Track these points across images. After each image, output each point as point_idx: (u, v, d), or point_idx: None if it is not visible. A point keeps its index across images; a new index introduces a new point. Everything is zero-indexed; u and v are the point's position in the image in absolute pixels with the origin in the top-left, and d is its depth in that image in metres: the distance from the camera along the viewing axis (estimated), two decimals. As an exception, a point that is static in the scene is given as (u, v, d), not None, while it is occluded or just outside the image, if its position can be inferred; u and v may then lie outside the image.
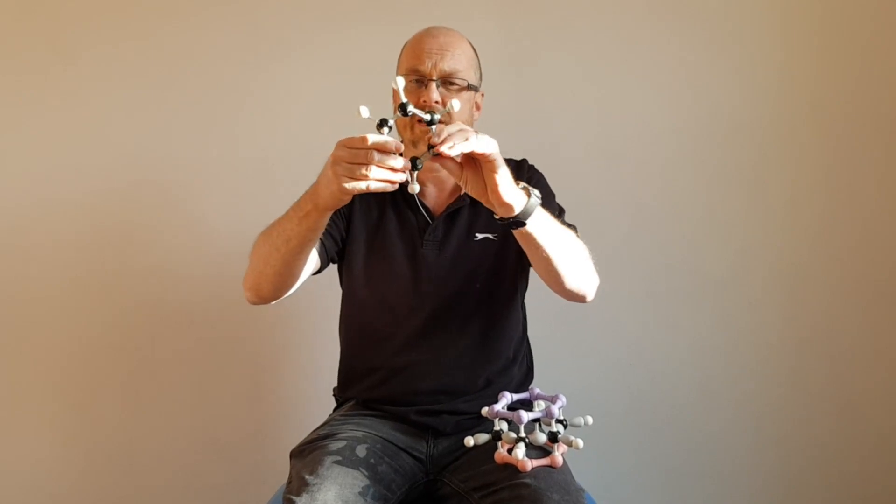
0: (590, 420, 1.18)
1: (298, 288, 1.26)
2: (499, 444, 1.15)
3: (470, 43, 1.33)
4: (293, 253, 1.13)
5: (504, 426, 1.16)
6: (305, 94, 1.79)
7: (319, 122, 1.79)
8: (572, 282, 1.18)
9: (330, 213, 1.09)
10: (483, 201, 1.04)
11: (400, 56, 1.34)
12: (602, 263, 1.76)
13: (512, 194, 1.02)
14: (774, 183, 1.79)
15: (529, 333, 1.43)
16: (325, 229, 1.26)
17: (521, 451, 1.12)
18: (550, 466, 1.13)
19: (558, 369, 1.74)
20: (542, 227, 1.08)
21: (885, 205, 1.79)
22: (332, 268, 1.41)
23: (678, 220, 1.80)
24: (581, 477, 1.21)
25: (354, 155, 0.96)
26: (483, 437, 1.17)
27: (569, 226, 1.25)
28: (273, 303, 1.25)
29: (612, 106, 1.79)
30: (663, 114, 1.78)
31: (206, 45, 1.78)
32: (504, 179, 1.01)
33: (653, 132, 1.79)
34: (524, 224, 1.05)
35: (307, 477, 1.12)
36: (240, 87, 1.79)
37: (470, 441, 1.17)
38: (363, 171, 0.95)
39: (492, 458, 1.18)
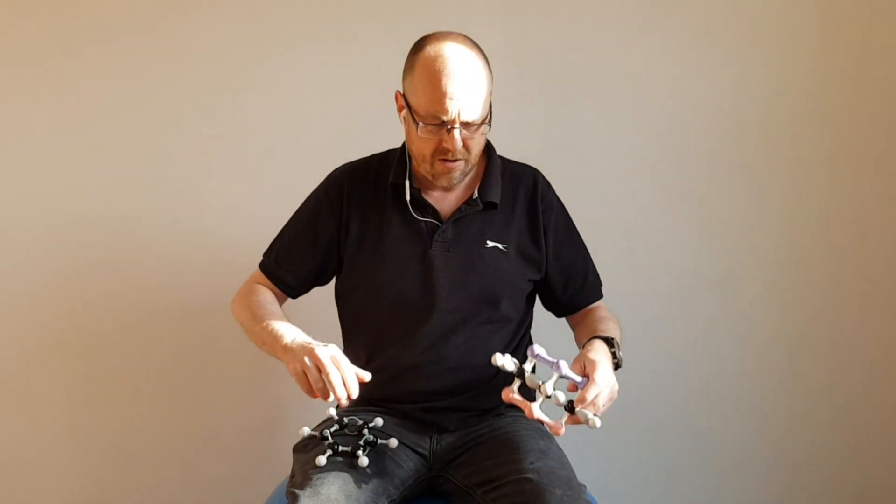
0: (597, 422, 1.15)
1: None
2: (515, 380, 1.12)
3: (483, 57, 1.25)
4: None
5: (529, 368, 1.13)
6: (305, 90, 1.79)
7: (319, 118, 1.79)
8: None
9: None
10: None
11: (411, 78, 1.23)
12: (601, 262, 1.77)
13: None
14: (773, 181, 1.80)
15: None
16: (321, 265, 1.37)
17: (546, 391, 1.10)
18: (551, 429, 1.11)
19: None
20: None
21: (884, 204, 1.79)
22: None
23: (677, 218, 1.81)
24: (581, 473, 1.21)
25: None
26: (510, 365, 1.12)
27: (595, 273, 1.46)
28: None
29: (612, 104, 1.79)
30: (662, 112, 1.79)
31: (205, 39, 1.78)
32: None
33: (652, 131, 1.79)
34: None
35: (310, 471, 1.13)
36: (239, 82, 1.78)
37: (498, 359, 1.12)
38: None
39: (494, 454, 1.20)
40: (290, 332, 1.23)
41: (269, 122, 1.79)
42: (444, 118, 1.20)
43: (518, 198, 1.36)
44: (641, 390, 1.83)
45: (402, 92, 1.28)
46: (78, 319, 1.82)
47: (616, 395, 1.16)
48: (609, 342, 1.22)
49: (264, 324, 1.26)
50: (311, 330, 1.77)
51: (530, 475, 1.11)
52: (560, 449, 1.26)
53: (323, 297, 1.48)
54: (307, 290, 1.42)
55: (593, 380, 1.11)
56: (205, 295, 1.81)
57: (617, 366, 1.21)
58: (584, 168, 1.79)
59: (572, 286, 1.40)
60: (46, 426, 1.85)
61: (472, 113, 1.21)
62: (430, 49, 1.21)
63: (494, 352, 1.31)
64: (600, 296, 1.45)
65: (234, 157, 1.80)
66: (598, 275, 1.45)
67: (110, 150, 1.79)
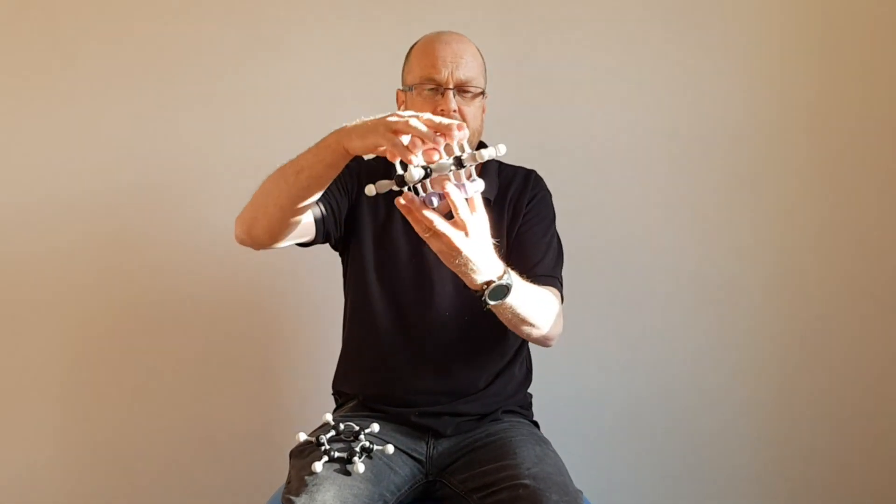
0: (502, 148, 0.95)
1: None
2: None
3: (477, 47, 1.34)
4: (301, 186, 1.10)
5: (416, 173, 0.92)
6: (306, 94, 1.79)
7: (320, 121, 1.77)
8: (529, 337, 1.22)
9: (348, 159, 1.06)
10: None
11: (408, 61, 1.33)
12: (600, 267, 1.78)
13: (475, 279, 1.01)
14: (773, 187, 1.80)
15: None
16: (328, 204, 1.27)
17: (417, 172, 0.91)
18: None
19: (556, 372, 1.74)
20: (507, 311, 1.09)
21: (883, 210, 1.79)
22: (335, 268, 1.42)
23: (676, 223, 1.81)
24: (578, 479, 1.21)
25: (410, 125, 0.93)
26: (386, 184, 0.95)
27: (553, 266, 1.29)
28: (259, 250, 1.22)
29: (611, 109, 1.79)
30: (662, 118, 1.79)
31: (206, 44, 1.78)
32: (472, 264, 0.98)
33: (652, 136, 1.79)
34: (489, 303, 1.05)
35: (306, 477, 1.13)
36: (239, 86, 1.79)
37: (371, 189, 0.95)
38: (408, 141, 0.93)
39: (491, 460, 1.20)
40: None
41: (271, 127, 1.79)
42: (438, 78, 1.26)
43: (509, 193, 1.35)
44: (639, 396, 1.83)
45: (401, 89, 1.34)
46: (75, 325, 1.82)
47: (465, 266, 0.98)
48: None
49: (295, 157, 1.11)
50: (311, 328, 1.80)
51: (527, 481, 1.11)
52: (556, 454, 1.26)
53: (323, 297, 1.47)
54: (321, 230, 1.28)
55: (475, 210, 0.97)
56: (204, 299, 1.81)
57: (500, 290, 1.03)
58: (582, 174, 1.78)
59: (519, 266, 1.19)
60: (42, 431, 1.84)
61: (465, 72, 1.27)
62: (425, 35, 1.33)
63: (488, 350, 1.31)
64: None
65: (235, 162, 1.80)
66: (553, 273, 1.30)
67: (111, 155, 1.79)
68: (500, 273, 1.03)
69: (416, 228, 0.95)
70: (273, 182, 1.14)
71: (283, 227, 1.16)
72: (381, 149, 0.97)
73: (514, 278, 1.06)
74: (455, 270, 1.00)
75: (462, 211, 0.94)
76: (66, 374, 1.83)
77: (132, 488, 1.84)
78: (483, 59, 1.34)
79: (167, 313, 1.81)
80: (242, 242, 1.22)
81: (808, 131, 1.78)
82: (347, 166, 1.34)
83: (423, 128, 0.92)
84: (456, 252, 0.96)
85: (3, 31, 1.78)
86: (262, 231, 1.17)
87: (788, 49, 1.77)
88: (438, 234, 0.94)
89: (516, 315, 1.10)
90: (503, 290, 1.04)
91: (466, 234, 0.95)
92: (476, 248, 0.97)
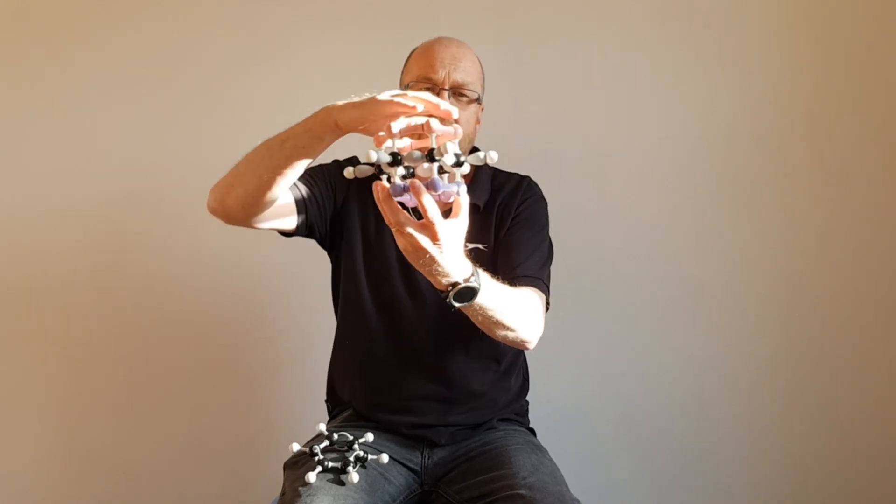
0: (494, 156, 0.93)
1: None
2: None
3: (476, 56, 1.33)
4: (284, 156, 1.07)
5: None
6: (302, 100, 1.77)
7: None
8: (505, 340, 1.14)
9: (336, 135, 1.03)
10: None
11: (407, 63, 1.33)
12: (598, 272, 1.77)
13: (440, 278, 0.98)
14: (771, 192, 1.79)
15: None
16: (312, 194, 1.25)
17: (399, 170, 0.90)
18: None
19: (554, 379, 1.73)
20: (476, 313, 1.05)
21: (882, 216, 1.79)
22: (329, 276, 1.41)
23: (674, 229, 1.80)
24: (575, 488, 1.20)
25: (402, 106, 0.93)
26: (364, 169, 0.96)
27: (538, 268, 1.24)
28: (230, 224, 1.17)
29: (609, 115, 1.79)
30: (661, 123, 1.78)
31: (202, 50, 1.78)
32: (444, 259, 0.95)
33: (650, 141, 1.79)
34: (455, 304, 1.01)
35: (300, 488, 1.12)
36: (236, 92, 1.79)
37: (350, 172, 0.97)
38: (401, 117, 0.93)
39: (486, 469, 1.19)
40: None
41: (267, 134, 1.79)
42: (434, 77, 1.26)
43: (499, 199, 1.33)
44: (637, 404, 1.82)
45: None
46: (70, 332, 1.81)
47: (430, 267, 0.95)
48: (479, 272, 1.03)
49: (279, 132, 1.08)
50: (305, 338, 1.79)
51: (522, 490, 1.10)
52: (553, 463, 1.25)
53: (318, 307, 1.46)
54: (303, 221, 1.26)
55: (457, 216, 0.95)
56: (198, 308, 1.81)
57: (466, 292, 1.00)
58: (578, 180, 1.78)
59: (504, 268, 1.24)
60: (36, 437, 1.83)
61: (462, 76, 1.27)
62: (425, 41, 1.33)
63: (483, 359, 1.30)
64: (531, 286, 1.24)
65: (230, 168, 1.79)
66: (538, 274, 1.26)
67: (106, 161, 1.79)
68: (467, 275, 0.99)
69: (386, 220, 0.93)
70: (255, 152, 1.10)
71: (258, 200, 1.11)
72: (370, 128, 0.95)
73: (482, 280, 1.03)
74: (420, 269, 0.98)
75: (430, 212, 0.91)
76: (60, 382, 1.82)
77: (126, 498, 1.83)
78: (482, 68, 1.33)
79: (159, 322, 1.81)
80: (214, 212, 1.16)
81: (806, 135, 1.78)
82: (340, 164, 1.34)
83: (409, 101, 0.92)
84: (421, 252, 0.93)
85: (3, 35, 1.78)
86: (235, 201, 1.12)
87: (785, 53, 1.77)
88: (402, 232, 0.92)
89: (487, 318, 1.06)
90: (469, 293, 1.00)
91: (435, 236, 0.92)
92: (442, 252, 0.94)
